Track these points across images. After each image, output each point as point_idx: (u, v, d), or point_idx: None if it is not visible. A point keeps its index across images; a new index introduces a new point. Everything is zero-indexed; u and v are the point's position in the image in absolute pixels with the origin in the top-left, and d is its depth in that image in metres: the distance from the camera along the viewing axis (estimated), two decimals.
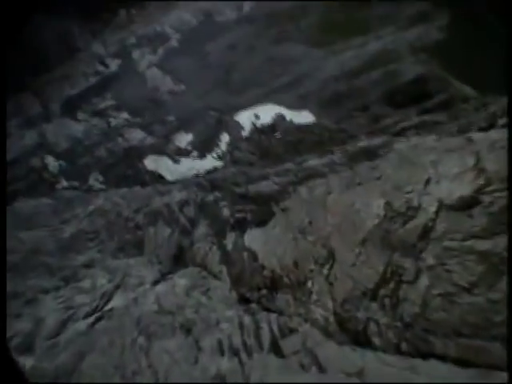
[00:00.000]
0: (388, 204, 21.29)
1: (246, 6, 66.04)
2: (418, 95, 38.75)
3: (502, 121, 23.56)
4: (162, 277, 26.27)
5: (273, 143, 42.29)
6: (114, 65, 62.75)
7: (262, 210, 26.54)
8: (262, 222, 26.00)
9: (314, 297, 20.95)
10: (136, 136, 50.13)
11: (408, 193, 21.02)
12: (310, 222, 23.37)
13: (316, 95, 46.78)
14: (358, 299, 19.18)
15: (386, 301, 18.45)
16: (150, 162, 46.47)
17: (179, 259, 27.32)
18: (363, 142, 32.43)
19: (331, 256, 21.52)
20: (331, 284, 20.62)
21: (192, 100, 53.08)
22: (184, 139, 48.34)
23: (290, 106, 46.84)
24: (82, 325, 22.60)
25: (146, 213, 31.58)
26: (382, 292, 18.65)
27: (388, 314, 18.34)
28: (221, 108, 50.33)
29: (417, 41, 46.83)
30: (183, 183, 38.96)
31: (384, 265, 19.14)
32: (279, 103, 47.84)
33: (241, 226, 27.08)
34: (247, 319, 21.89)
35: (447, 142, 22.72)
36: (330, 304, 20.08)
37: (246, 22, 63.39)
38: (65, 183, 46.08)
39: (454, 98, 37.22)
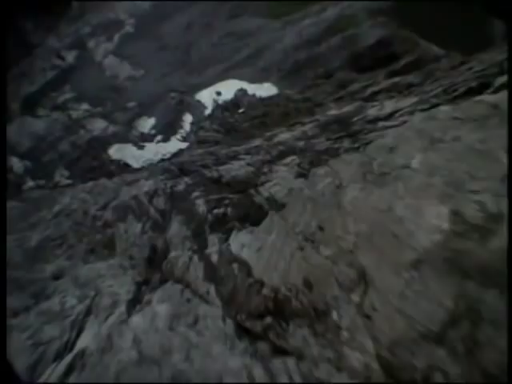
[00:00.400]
0: (456, 213, 12.44)
1: None
2: (384, 58, 38.20)
3: (502, 79, 18.81)
4: (138, 293, 22.71)
5: (237, 119, 41.63)
6: (70, 57, 62.36)
7: (243, 201, 22.29)
8: (246, 219, 19.99)
9: (345, 334, 11.99)
10: (98, 126, 49.96)
11: (476, 193, 13.34)
12: (321, 228, 13.85)
13: (277, 66, 46.96)
14: (414, 342, 11.83)
15: (459, 346, 11.64)
16: (115, 151, 46.18)
17: (154, 262, 24.86)
18: (334, 111, 30.53)
19: (362, 278, 12.15)
20: (368, 318, 12.09)
21: (152, 84, 53.16)
22: (147, 124, 48.22)
23: (251, 80, 46.85)
24: (53, 375, 20.57)
25: (115, 208, 29.83)
26: (453, 334, 11.89)
27: (461, 362, 10.73)
28: (181, 89, 50.34)
29: (373, 4, 46.97)
30: (150, 170, 37.47)
31: (454, 297, 11.74)
32: (240, 78, 47.89)
33: (222, 225, 20.89)
34: (258, 370, 13.68)
35: (466, 109, 16.03)
36: (369, 345, 11.23)
37: (199, 0, 62.95)
38: (31, 183, 45.81)
39: (423, 58, 36.45)
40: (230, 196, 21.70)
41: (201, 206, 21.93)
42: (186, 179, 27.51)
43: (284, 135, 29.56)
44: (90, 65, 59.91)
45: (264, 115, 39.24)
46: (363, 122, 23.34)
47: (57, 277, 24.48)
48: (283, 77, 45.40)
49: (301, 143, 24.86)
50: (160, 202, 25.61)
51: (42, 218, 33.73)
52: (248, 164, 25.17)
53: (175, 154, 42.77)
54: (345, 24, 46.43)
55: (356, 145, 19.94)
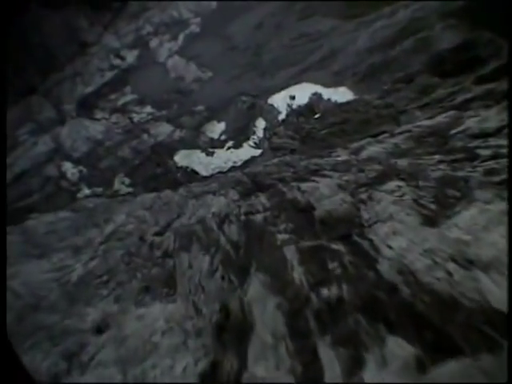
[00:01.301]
0: None
1: None
2: (467, 62, 33.33)
3: None
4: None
5: (314, 125, 38.15)
6: (130, 57, 59.93)
7: (358, 265, 14.51)
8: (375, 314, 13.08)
9: None
10: (163, 130, 46.89)
11: None
12: None
13: (351, 70, 43.03)
14: None
15: None
16: (181, 158, 43.02)
17: (225, 333, 16.14)
18: (425, 121, 26.73)
19: None
20: None
21: (221, 86, 50.17)
22: (216, 129, 44.87)
23: (325, 84, 43.15)
24: None
25: (177, 231, 25.74)
26: None
27: None
28: (253, 92, 47.07)
29: (444, 5, 42.21)
30: (220, 181, 34.34)
31: None
32: (314, 81, 44.15)
33: (339, 323, 13.28)
34: None
35: None
36: None
37: (269, 0, 60.03)
38: (87, 191, 42.90)
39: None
40: (333, 247, 15.57)
41: (295, 269, 15.74)
42: (262, 198, 23.70)
43: (373, 148, 25.86)
44: (152, 65, 57.45)
45: (343, 122, 35.71)
46: (465, 137, 20.64)
47: (100, 329, 19.45)
48: (358, 81, 41.48)
49: (401, 162, 20.91)
50: (232, 230, 21.28)
51: (92, 240, 29.71)
52: (339, 186, 21.08)
53: (247, 162, 39.35)
54: (417, 27, 42.36)
55: (496, 178, 15.29)
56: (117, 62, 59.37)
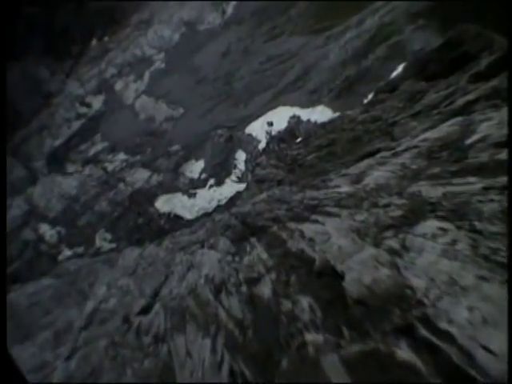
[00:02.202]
0: None
1: (229, 8, 63.90)
2: (456, 60, 32.53)
3: None
4: None
5: (298, 151, 36.41)
6: (96, 103, 59.61)
7: None
8: None
9: None
10: (140, 177, 46.13)
11: None
12: None
13: (327, 86, 43.41)
14: None
15: None
16: (163, 203, 42.35)
17: None
18: (429, 132, 23.99)
19: None
20: None
21: (194, 122, 49.52)
22: (195, 168, 44.21)
23: (302, 105, 43.20)
24: None
25: (166, 306, 22.64)
26: None
27: None
28: (228, 124, 46.75)
29: (411, 7, 44.06)
30: (207, 227, 30.41)
31: None
32: (290, 104, 44.20)
33: None
34: None
35: None
36: None
37: (233, 25, 61.06)
38: (68, 252, 41.92)
39: (504, 55, 31.49)
40: (396, 354, 7.61)
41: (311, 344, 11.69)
42: (259, 249, 20.33)
43: (377, 172, 19.68)
44: (120, 109, 56.90)
45: (330, 143, 33.48)
46: (487, 147, 15.26)
47: None
48: (336, 97, 41.88)
49: (427, 190, 14.11)
50: (234, 305, 15.84)
51: (72, 323, 27.88)
52: (354, 231, 12.96)
53: (233, 199, 38.85)
54: (387, 32, 43.84)
55: None
56: (83, 110, 58.78)
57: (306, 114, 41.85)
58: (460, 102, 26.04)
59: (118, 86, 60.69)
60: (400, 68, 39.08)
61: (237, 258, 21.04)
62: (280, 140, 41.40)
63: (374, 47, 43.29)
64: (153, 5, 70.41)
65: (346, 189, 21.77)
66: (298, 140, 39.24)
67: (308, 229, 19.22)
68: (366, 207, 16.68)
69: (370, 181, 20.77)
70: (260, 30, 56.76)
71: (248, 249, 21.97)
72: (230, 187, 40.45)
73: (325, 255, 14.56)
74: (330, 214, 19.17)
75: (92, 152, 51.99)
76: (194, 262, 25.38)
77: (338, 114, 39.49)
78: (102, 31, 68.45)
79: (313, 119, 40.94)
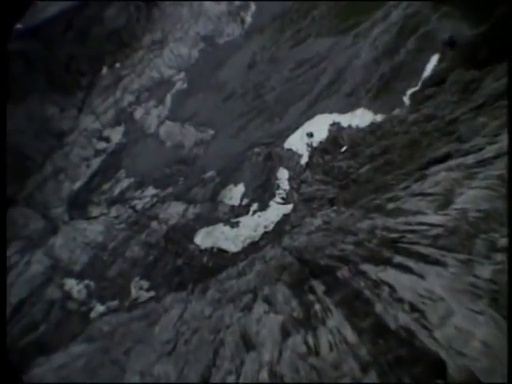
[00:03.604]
0: None
1: (248, 17, 62.33)
2: (508, 42, 28.34)
3: None
4: None
5: (347, 162, 34.84)
6: (116, 135, 57.27)
7: None
8: None
9: None
10: (174, 211, 43.47)
11: None
12: None
13: (364, 87, 41.98)
14: None
15: None
16: (203, 238, 39.60)
17: None
18: None
19: None
20: None
21: (227, 143, 47.33)
22: (235, 194, 41.54)
23: (341, 110, 41.64)
24: None
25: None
26: None
27: None
28: (265, 140, 44.50)
29: None
30: (256, 268, 30.66)
31: None
32: (328, 111, 42.46)
33: None
34: None
35: None
36: None
37: (254, 34, 59.36)
38: (100, 308, 39.10)
39: None
40: None
41: None
42: (335, 316, 17.32)
43: (471, 191, 17.23)
44: (143, 139, 54.76)
45: (384, 152, 31.59)
46: None
47: None
48: (374, 96, 40.44)
49: None
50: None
51: None
52: (482, 298, 12.04)
53: (280, 223, 36.51)
54: (414, 23, 42.89)
55: None
56: (101, 145, 56.35)
57: (346, 120, 40.17)
58: None
59: (138, 113, 58.42)
60: (434, 59, 38.40)
61: (311, 340, 16.96)
62: (323, 151, 39.28)
63: (403, 40, 42.47)
64: (164, 22, 68.72)
65: (434, 217, 18.38)
66: (343, 149, 38.18)
67: (398, 281, 15.66)
68: (483, 251, 13.13)
69: (466, 204, 16.84)
70: (284, 35, 55.25)
71: (318, 309, 18.54)
72: (276, 210, 38.12)
73: (464, 363, 10.57)
74: (427, 260, 15.74)
75: (117, 191, 49.59)
76: (249, 330, 21.59)
77: (379, 116, 38.61)
78: (112, 58, 66.38)
79: (354, 124, 39.33)
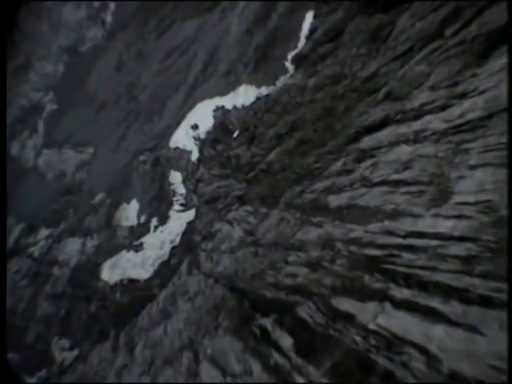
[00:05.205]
0: None
1: (108, 17, 58.74)
2: None
3: None
4: None
5: (246, 150, 31.07)
6: None
7: None
8: None
9: None
10: (72, 249, 40.32)
11: None
12: None
13: (240, 62, 38.92)
14: None
15: None
16: (110, 272, 36.42)
17: None
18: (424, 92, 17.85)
19: None
20: None
21: (110, 158, 44.19)
22: (130, 213, 38.45)
23: (222, 92, 38.42)
24: None
25: None
26: None
27: None
28: (148, 145, 41.57)
29: None
30: (181, 306, 26.97)
31: None
32: (208, 96, 39.33)
33: None
34: None
35: None
36: None
37: (117, 32, 55.83)
38: (32, 381, 36.62)
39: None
40: None
41: None
42: (302, 364, 15.05)
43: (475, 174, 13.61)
44: (24, 176, 51.34)
45: (292, 129, 26.45)
46: None
47: None
48: (254, 69, 37.13)
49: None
50: None
51: None
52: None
53: (186, 233, 33.32)
54: None
55: None
56: None
57: (229, 102, 37.10)
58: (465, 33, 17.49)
59: (14, 149, 54.93)
60: (309, 16, 34.49)
61: None
62: (214, 141, 35.59)
63: (273, 4, 38.71)
64: (27, 44, 64.29)
65: (436, 222, 13.80)
66: (236, 135, 33.72)
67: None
68: None
69: (474, 195, 13.05)
70: (148, 27, 51.91)
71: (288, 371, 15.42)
72: (178, 220, 34.89)
73: None
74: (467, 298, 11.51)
75: (11, 241, 46.26)
76: None
77: (263, 88, 34.83)
78: None
79: (239, 104, 35.78)
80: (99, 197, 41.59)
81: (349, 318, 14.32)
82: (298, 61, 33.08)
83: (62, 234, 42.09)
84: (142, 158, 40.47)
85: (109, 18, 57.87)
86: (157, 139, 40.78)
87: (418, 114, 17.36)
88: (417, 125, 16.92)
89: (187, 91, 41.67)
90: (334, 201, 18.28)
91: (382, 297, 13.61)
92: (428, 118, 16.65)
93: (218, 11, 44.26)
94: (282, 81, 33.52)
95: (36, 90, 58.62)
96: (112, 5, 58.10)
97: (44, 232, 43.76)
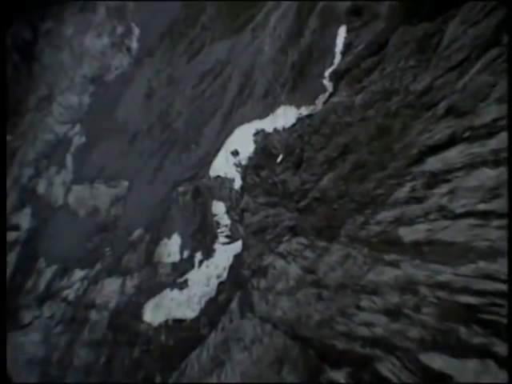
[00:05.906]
0: None
1: (133, 43, 57.36)
2: None
3: None
4: None
5: (293, 175, 28.95)
6: (24, 220, 51.18)
7: None
8: None
9: None
10: (110, 290, 37.84)
11: None
12: None
13: (277, 82, 37.02)
14: None
15: None
16: (153, 313, 33.79)
17: None
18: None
19: None
20: None
21: (147, 191, 42.08)
22: (172, 248, 35.72)
23: (260, 115, 36.46)
24: None
25: None
26: None
27: None
28: (187, 175, 39.39)
29: None
30: (235, 355, 24.59)
31: None
32: (247, 120, 37.26)
33: None
34: None
35: None
36: None
37: (145, 58, 54.28)
38: None
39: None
40: None
41: None
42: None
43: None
44: (53, 215, 48.89)
45: (344, 151, 24.60)
46: None
47: None
48: (291, 89, 35.17)
49: None
50: None
51: None
52: None
53: (233, 267, 31.18)
54: (309, 1, 38.52)
55: None
56: (12, 235, 49.38)
57: (269, 124, 35.58)
58: None
59: (41, 187, 52.48)
60: (342, 31, 33.09)
61: None
62: (257, 168, 33.48)
63: (304, 21, 37.77)
64: (47, 75, 62.74)
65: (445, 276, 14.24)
66: (279, 159, 31.94)
67: None
68: None
69: None
70: (177, 51, 50.35)
71: None
72: (224, 253, 32.58)
73: None
74: None
75: (42, 285, 43.63)
76: None
77: (303, 108, 32.90)
78: None
79: (279, 127, 33.95)
80: (137, 233, 39.29)
81: (444, 378, 12.66)
82: (336, 78, 31.58)
83: (99, 274, 39.86)
84: (181, 189, 38.40)
85: (134, 44, 56.88)
86: (195, 168, 38.74)
87: (492, 131, 15.76)
88: (493, 143, 15.32)
89: (224, 116, 39.92)
90: (408, 234, 16.35)
91: (484, 353, 11.99)
92: (504, 134, 15.12)
93: (248, 31, 43.29)
94: (321, 99, 31.81)
95: (61, 122, 56.67)
96: (136, 30, 57.04)
97: (79, 273, 41.53)
